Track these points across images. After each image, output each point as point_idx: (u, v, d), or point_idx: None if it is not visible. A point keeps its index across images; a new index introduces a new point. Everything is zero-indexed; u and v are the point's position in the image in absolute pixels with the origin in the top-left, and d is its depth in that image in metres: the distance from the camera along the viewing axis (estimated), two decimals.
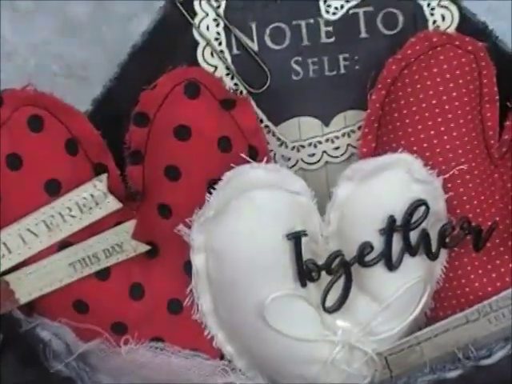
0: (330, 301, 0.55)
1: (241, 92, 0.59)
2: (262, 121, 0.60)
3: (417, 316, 0.57)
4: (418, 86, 0.57)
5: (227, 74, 0.59)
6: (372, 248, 0.54)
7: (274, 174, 0.52)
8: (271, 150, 0.60)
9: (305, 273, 0.53)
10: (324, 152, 0.61)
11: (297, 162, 0.61)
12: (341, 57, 0.60)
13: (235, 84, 0.59)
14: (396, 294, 0.55)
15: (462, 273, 0.58)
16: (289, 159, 0.61)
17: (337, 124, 0.60)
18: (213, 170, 0.54)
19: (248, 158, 0.52)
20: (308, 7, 0.59)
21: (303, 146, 0.61)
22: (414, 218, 0.54)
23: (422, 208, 0.54)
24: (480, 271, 0.58)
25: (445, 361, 0.55)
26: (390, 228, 0.53)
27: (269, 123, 0.60)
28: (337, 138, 0.61)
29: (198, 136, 0.54)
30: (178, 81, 0.54)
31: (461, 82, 0.57)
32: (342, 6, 0.59)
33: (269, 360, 0.55)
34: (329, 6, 0.59)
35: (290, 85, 0.60)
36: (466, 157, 0.57)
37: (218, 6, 0.58)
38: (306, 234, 0.52)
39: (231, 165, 0.52)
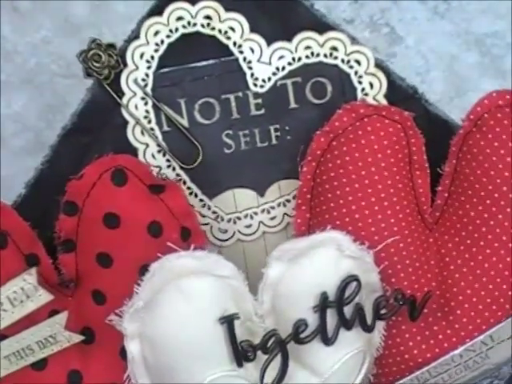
0: (270, 377, 0.55)
1: (173, 168, 0.59)
2: (196, 195, 0.60)
3: None
4: (347, 157, 0.57)
5: (159, 151, 0.59)
6: (307, 325, 0.54)
7: (201, 261, 0.52)
8: (207, 224, 0.60)
9: (240, 354, 0.53)
10: (260, 222, 0.61)
11: (234, 233, 0.61)
12: (272, 128, 0.60)
13: (167, 160, 0.59)
14: (334, 368, 0.55)
15: (401, 340, 0.58)
16: (226, 231, 0.61)
17: (272, 194, 0.61)
18: (145, 256, 0.54)
19: (175, 247, 0.52)
20: (235, 81, 0.59)
21: (239, 218, 0.61)
22: (347, 294, 0.54)
23: (354, 283, 0.54)
24: (418, 338, 0.58)
25: None
26: (323, 305, 0.54)
27: (204, 197, 0.60)
28: (272, 208, 0.61)
29: (128, 223, 0.54)
30: (104, 169, 0.54)
31: (389, 152, 0.57)
32: (269, 79, 0.59)
33: None
34: (256, 79, 0.59)
35: (223, 158, 0.60)
36: (398, 225, 0.57)
37: (146, 85, 0.58)
38: (238, 317, 0.53)
39: (158, 254, 0.52)
